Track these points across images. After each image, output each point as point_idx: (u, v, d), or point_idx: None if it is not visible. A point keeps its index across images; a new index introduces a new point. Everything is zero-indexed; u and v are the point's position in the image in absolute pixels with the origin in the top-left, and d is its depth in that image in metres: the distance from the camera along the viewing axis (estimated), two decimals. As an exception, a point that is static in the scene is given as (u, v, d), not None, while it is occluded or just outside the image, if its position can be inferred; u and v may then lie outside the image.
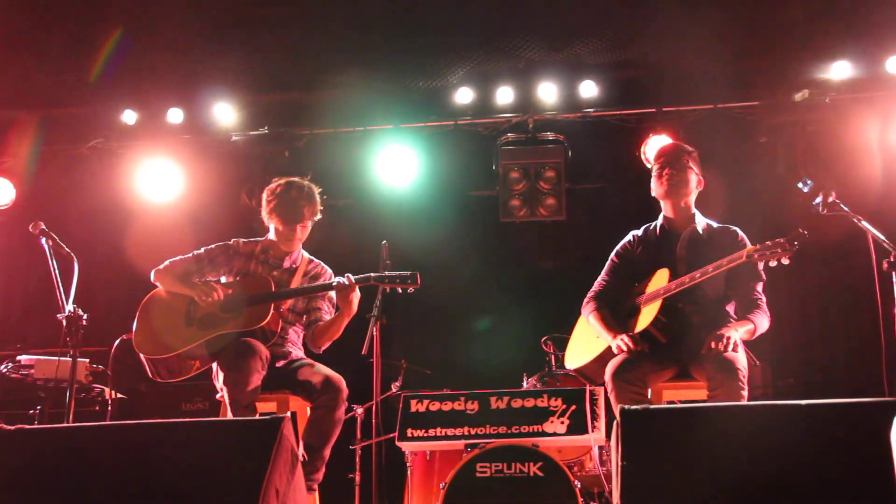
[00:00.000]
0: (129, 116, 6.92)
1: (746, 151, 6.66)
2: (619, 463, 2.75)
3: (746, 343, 3.95)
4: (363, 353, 4.41)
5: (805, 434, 2.70)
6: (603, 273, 4.38)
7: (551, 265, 7.11)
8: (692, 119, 6.57)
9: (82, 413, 5.40)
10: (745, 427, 2.79)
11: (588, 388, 4.32)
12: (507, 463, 4.09)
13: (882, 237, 3.89)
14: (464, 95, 6.66)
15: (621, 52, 6.34)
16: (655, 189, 4.24)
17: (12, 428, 3.03)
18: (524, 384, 5.46)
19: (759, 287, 4.05)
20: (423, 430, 4.41)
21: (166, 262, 4.33)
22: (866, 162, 6.19)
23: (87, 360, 5.74)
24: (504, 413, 4.38)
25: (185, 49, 6.17)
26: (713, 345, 3.75)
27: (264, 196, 4.41)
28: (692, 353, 3.91)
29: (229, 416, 3.91)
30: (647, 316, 4.02)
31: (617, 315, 4.20)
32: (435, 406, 4.48)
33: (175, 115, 6.90)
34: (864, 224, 3.96)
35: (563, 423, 4.26)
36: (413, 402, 4.52)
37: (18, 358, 5.62)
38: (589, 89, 6.56)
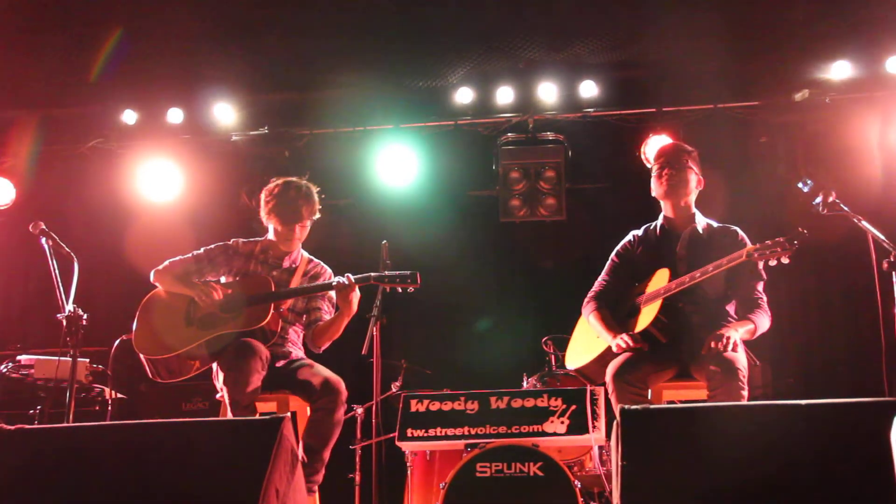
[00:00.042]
0: (129, 116, 6.91)
1: (746, 151, 6.65)
2: (619, 463, 2.75)
3: (746, 343, 3.95)
4: (363, 353, 4.41)
5: (805, 434, 2.70)
6: (603, 273, 4.38)
7: (551, 265, 7.10)
8: (692, 119, 6.57)
9: (82, 413, 5.40)
10: (745, 427, 2.79)
11: (588, 387, 4.32)
12: (507, 463, 4.09)
13: (882, 237, 3.89)
14: (464, 95, 6.66)
15: (621, 52, 6.34)
16: (655, 189, 4.24)
17: (12, 428, 3.03)
18: (524, 384, 5.46)
19: (760, 286, 4.05)
20: (423, 430, 4.41)
21: (166, 263, 4.33)
22: (866, 162, 6.19)
23: (87, 360, 5.74)
24: (504, 413, 4.38)
25: (185, 49, 6.17)
26: (713, 345, 3.75)
27: (262, 196, 4.41)
28: (692, 353, 3.91)
29: (229, 416, 3.91)
30: (647, 316, 4.02)
31: (617, 315, 4.20)
32: (435, 406, 4.48)
33: (175, 115, 6.89)
34: (864, 224, 3.96)
35: (563, 423, 4.26)
36: (413, 402, 4.52)
37: (18, 358, 5.62)
38: (589, 89, 6.56)
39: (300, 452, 3.72)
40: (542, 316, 6.50)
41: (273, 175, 4.58)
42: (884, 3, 5.70)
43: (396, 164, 6.81)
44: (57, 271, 4.43)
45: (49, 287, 4.43)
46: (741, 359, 3.76)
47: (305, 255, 4.50)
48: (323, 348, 4.36)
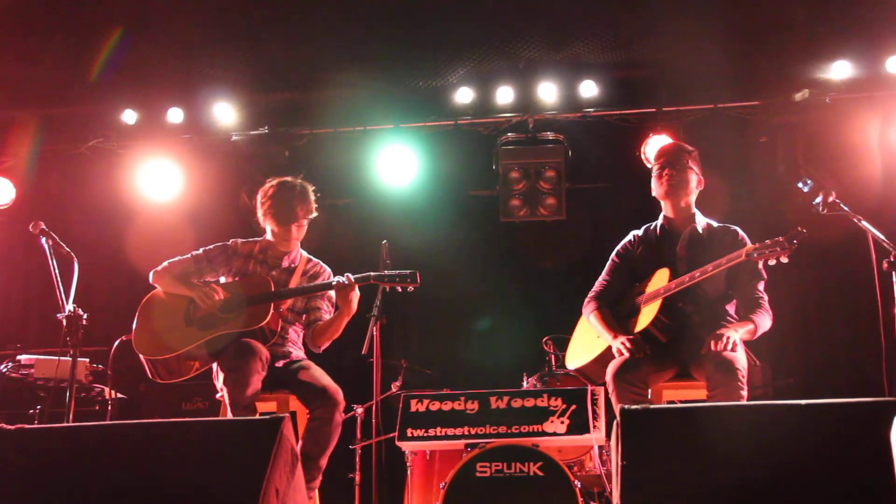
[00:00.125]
0: (129, 116, 6.91)
1: (746, 151, 6.66)
2: (619, 463, 2.75)
3: (746, 343, 3.95)
4: (363, 352, 4.42)
5: (805, 434, 2.70)
6: (603, 273, 4.38)
7: (551, 265, 7.10)
8: (692, 119, 6.57)
9: (82, 413, 5.40)
10: (744, 427, 2.79)
11: (588, 387, 4.32)
12: (507, 463, 4.08)
13: (882, 237, 3.89)
14: (464, 95, 6.66)
15: (621, 52, 6.33)
16: (656, 189, 4.24)
17: (12, 428, 3.03)
18: (524, 384, 5.46)
19: (761, 286, 4.05)
20: (423, 430, 4.41)
21: (165, 264, 4.33)
22: (866, 162, 6.19)
23: (87, 360, 5.74)
24: (504, 413, 4.37)
25: (185, 49, 6.17)
26: (713, 344, 3.75)
27: (258, 198, 4.42)
28: (692, 353, 3.91)
29: (229, 416, 3.91)
30: (647, 315, 4.02)
31: (617, 315, 4.20)
32: (435, 406, 4.48)
33: (175, 115, 6.89)
34: (864, 224, 3.96)
35: (563, 422, 4.26)
36: (413, 401, 4.51)
37: (18, 357, 5.62)
38: (589, 89, 6.55)
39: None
40: (542, 316, 6.50)
41: (273, 175, 4.58)
42: (884, 3, 5.70)
43: (396, 164, 6.81)
44: (57, 271, 4.42)
45: (49, 287, 4.42)
46: (741, 359, 3.76)
47: (304, 254, 4.50)
48: (323, 348, 4.36)
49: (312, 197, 4.39)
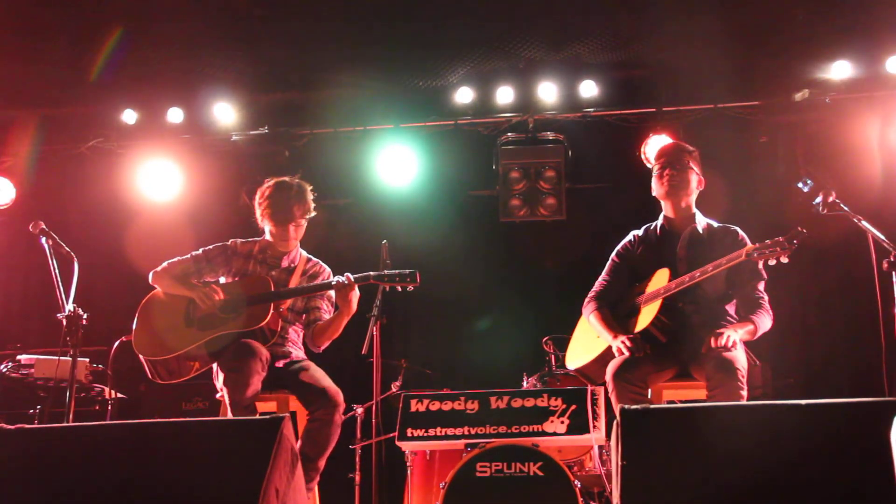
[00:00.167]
0: (129, 116, 6.91)
1: (746, 151, 6.65)
2: (619, 463, 2.75)
3: (746, 343, 3.95)
4: (363, 352, 4.42)
5: (805, 434, 2.70)
6: (604, 273, 4.38)
7: (551, 265, 7.10)
8: (692, 119, 6.57)
9: (82, 413, 5.40)
10: (744, 427, 2.79)
11: (588, 387, 4.32)
12: (507, 463, 4.08)
13: (882, 237, 3.89)
14: (464, 95, 6.66)
15: (621, 52, 6.33)
16: (656, 189, 4.24)
17: (12, 427, 3.03)
18: (524, 384, 5.46)
19: (761, 286, 4.05)
20: (423, 430, 4.41)
21: (164, 264, 4.32)
22: (866, 162, 6.19)
23: (87, 360, 5.74)
24: (504, 413, 4.37)
25: (185, 49, 6.17)
26: (712, 341, 3.75)
27: (256, 198, 4.42)
28: (692, 353, 3.91)
29: (229, 416, 3.91)
30: (646, 315, 4.02)
31: (617, 315, 4.20)
32: (435, 406, 4.48)
33: (175, 115, 6.89)
34: (864, 224, 3.96)
35: (563, 422, 4.26)
36: (413, 401, 4.51)
37: (18, 357, 5.62)
38: (589, 89, 6.55)
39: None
40: (542, 316, 6.50)
41: (273, 175, 4.58)
42: (884, 3, 5.70)
43: (396, 164, 6.81)
44: (57, 271, 4.42)
45: (49, 287, 4.42)
46: (741, 358, 3.76)
47: (304, 254, 4.50)
48: (322, 348, 4.35)
49: (310, 196, 4.38)
